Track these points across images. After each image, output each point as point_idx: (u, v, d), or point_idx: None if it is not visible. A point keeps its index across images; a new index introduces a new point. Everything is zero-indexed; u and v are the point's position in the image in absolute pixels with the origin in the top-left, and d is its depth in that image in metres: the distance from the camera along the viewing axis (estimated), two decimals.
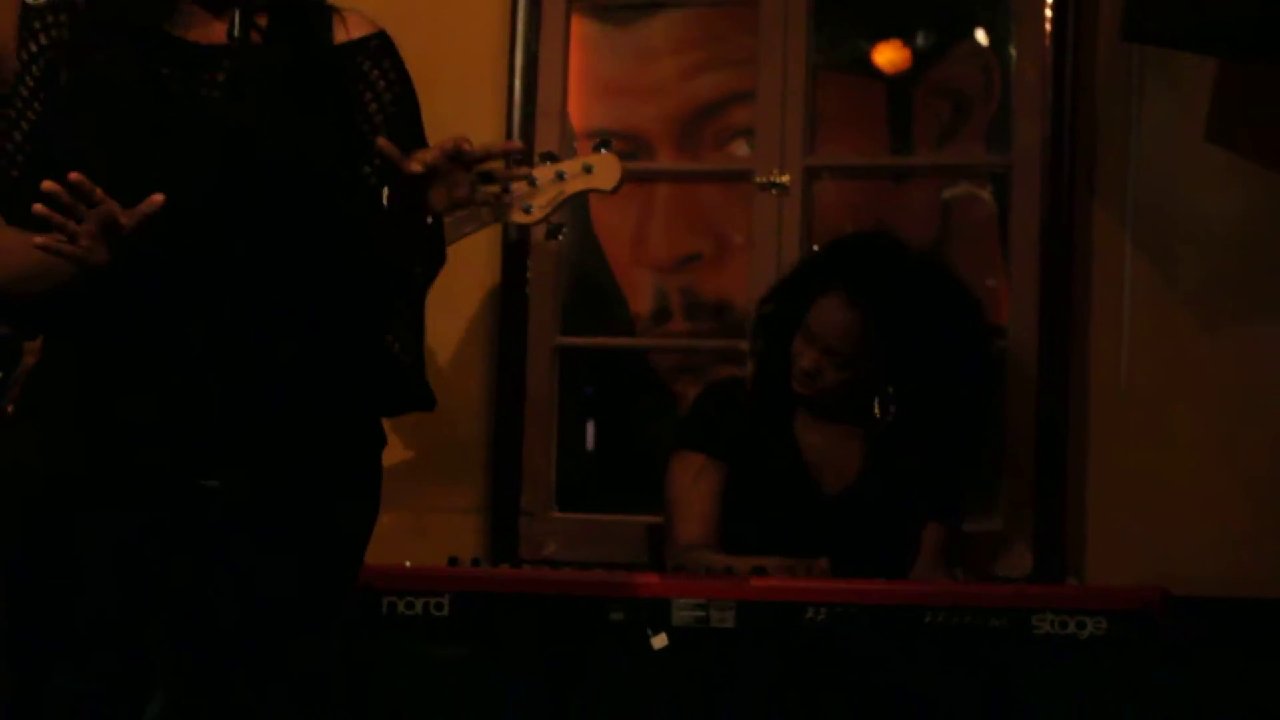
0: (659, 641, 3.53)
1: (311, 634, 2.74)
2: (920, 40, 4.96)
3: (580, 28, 4.79)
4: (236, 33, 2.68)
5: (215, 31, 2.73)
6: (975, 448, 4.26)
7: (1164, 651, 3.55)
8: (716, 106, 4.86)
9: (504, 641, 3.57)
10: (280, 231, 2.68)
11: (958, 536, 4.19)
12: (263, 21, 2.72)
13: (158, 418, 2.65)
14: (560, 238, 3.86)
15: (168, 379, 2.65)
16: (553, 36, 4.67)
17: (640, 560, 4.23)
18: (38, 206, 2.51)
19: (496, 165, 2.63)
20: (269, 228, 2.67)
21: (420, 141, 2.74)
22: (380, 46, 2.81)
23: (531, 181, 3.69)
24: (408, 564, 3.63)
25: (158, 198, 2.54)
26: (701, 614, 3.55)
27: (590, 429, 5.15)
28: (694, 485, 4.11)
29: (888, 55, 4.96)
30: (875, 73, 4.94)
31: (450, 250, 2.88)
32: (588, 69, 4.84)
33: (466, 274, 4.43)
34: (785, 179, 4.59)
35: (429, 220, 2.66)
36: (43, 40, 2.74)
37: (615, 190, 3.78)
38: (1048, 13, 4.46)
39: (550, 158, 3.75)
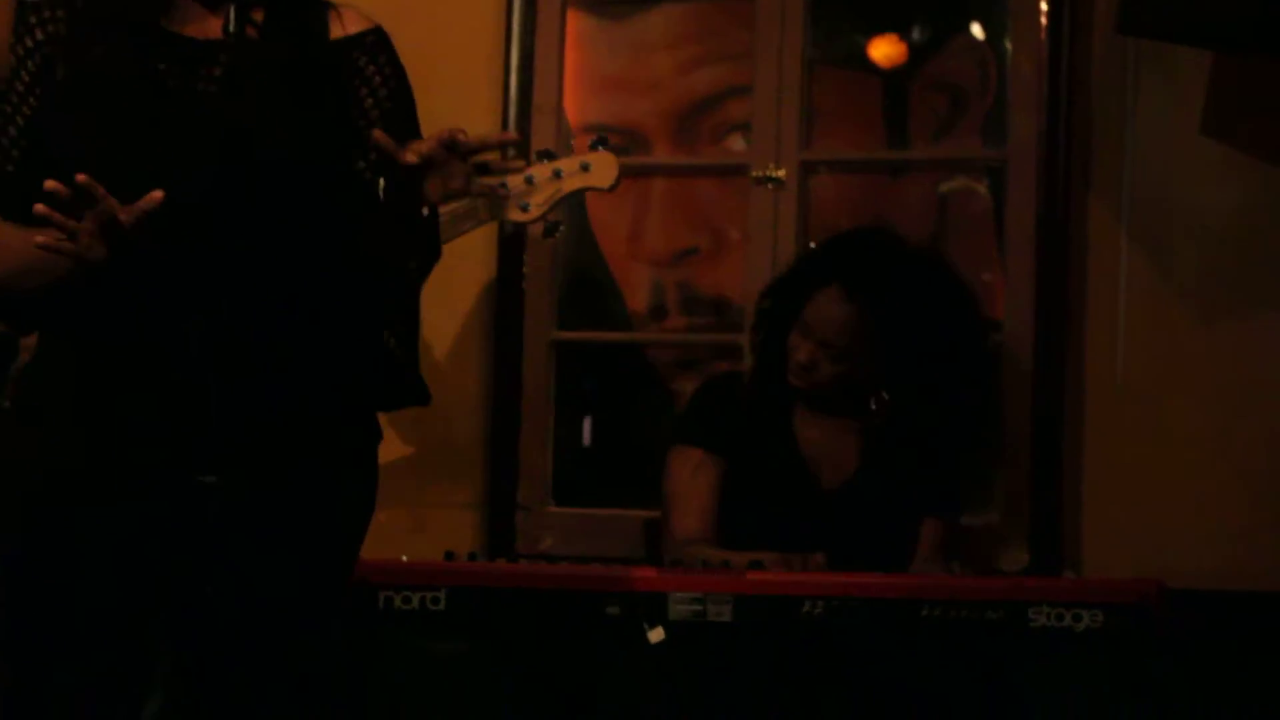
0: (656, 635, 3.53)
1: (310, 630, 2.74)
2: (916, 35, 4.96)
3: (576, 23, 4.79)
4: (233, 28, 2.68)
5: (211, 27, 2.73)
6: (972, 442, 4.26)
7: (1160, 644, 3.55)
8: (712, 101, 4.86)
9: (500, 636, 3.58)
10: (276, 227, 2.68)
11: (956, 531, 4.19)
12: (259, 17, 2.72)
13: (155, 413, 2.65)
14: (557, 235, 3.86)
15: (165, 374, 2.65)
16: (548, 32, 4.68)
17: (637, 555, 4.23)
18: (39, 207, 2.51)
19: (492, 157, 2.64)
20: (265, 223, 2.67)
21: (416, 137, 2.74)
22: (376, 42, 2.81)
23: (529, 179, 3.69)
24: (404, 558, 3.64)
25: (157, 194, 2.53)
26: (698, 608, 3.55)
27: (586, 424, 5.15)
28: (692, 480, 4.12)
29: (883, 50, 4.96)
30: (871, 67, 4.94)
31: (446, 245, 2.89)
32: (583, 64, 4.84)
33: (463, 268, 4.43)
34: (781, 173, 4.60)
35: (425, 212, 2.66)
36: (39, 35, 2.74)
37: (612, 189, 3.78)
38: (1043, 6, 4.46)
39: (548, 155, 3.75)
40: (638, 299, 5.01)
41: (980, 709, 3.56)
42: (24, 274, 2.67)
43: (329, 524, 2.74)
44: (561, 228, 3.82)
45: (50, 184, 2.50)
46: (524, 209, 3.71)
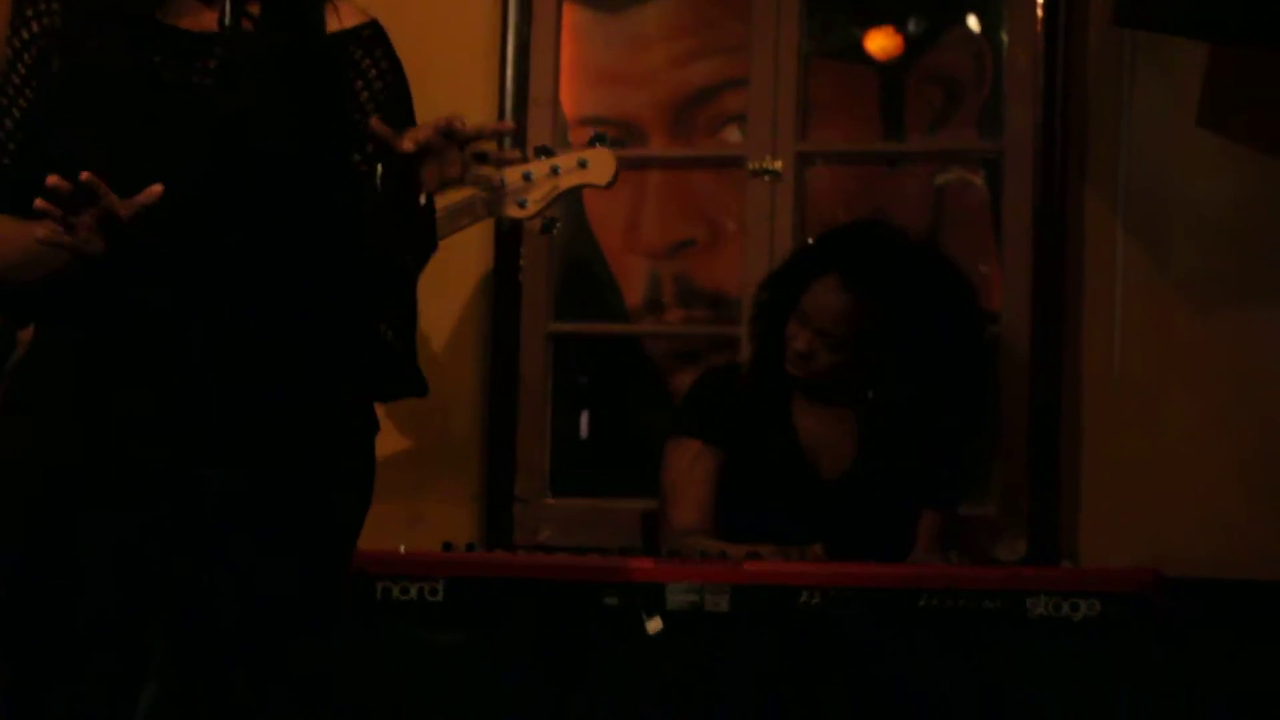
0: (653, 626, 3.54)
1: (308, 621, 2.74)
2: (912, 26, 4.97)
3: (572, 15, 4.79)
4: (228, 21, 2.68)
5: (207, 19, 2.72)
6: (970, 433, 4.27)
7: (1158, 633, 3.55)
8: (709, 93, 4.86)
9: (498, 626, 3.58)
10: (272, 220, 2.67)
11: (954, 521, 4.20)
12: (255, 10, 2.72)
13: (153, 407, 2.65)
14: (555, 231, 3.86)
15: (162, 368, 2.64)
16: (544, 24, 4.68)
17: (634, 545, 4.24)
18: (39, 202, 2.51)
19: (489, 146, 2.63)
20: (261, 216, 2.67)
21: None
22: (372, 35, 2.81)
23: (526, 176, 3.69)
24: (402, 549, 3.64)
25: (156, 188, 2.53)
26: (696, 598, 3.55)
27: (584, 415, 5.16)
28: (690, 470, 4.12)
29: (880, 41, 4.96)
30: (867, 59, 4.95)
31: (443, 239, 2.89)
32: (580, 57, 4.85)
33: (459, 260, 4.43)
34: (778, 165, 4.60)
35: (421, 200, 2.66)
36: (34, 28, 2.73)
37: (610, 186, 3.79)
38: None
39: (545, 151, 3.75)
40: (634, 291, 5.01)
41: (978, 698, 3.57)
42: (21, 266, 2.66)
43: (327, 515, 2.74)
44: (558, 224, 3.82)
45: (53, 179, 2.50)
46: (521, 205, 3.71)
